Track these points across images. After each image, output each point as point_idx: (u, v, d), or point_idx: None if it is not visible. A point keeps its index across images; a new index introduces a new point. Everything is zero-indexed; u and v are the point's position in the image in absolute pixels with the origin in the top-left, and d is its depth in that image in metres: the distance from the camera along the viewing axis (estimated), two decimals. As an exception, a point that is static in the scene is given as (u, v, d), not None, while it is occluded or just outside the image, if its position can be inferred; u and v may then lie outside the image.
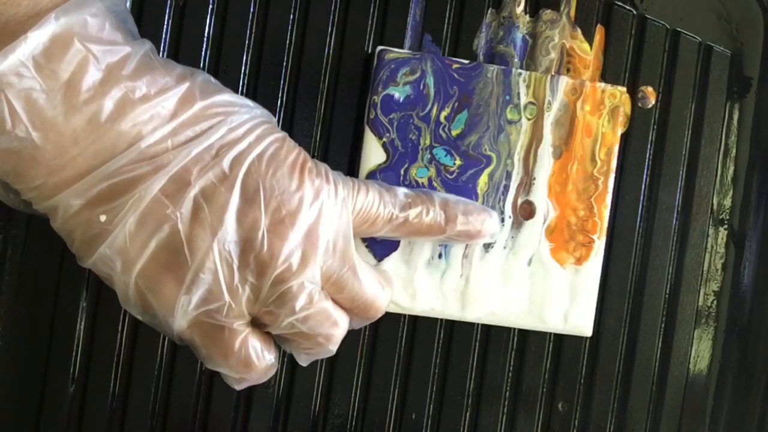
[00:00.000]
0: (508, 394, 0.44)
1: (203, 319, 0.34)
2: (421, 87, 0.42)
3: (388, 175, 0.42)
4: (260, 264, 0.33)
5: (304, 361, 0.38)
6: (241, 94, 0.41)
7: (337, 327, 0.36)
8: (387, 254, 0.42)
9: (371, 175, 0.42)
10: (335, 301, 0.36)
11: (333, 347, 0.37)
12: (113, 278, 0.34)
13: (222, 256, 0.33)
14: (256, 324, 0.35)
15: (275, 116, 0.42)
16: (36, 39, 0.31)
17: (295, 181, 0.34)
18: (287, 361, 0.43)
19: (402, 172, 0.42)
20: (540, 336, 0.44)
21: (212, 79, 0.35)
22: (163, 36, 0.41)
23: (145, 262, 0.33)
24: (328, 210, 0.35)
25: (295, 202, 0.34)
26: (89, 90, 0.32)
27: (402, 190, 0.38)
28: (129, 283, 0.33)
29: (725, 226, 0.46)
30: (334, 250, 0.35)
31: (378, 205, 0.37)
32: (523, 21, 0.43)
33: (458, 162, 0.42)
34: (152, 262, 0.33)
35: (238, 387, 0.37)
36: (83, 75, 0.32)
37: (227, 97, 0.35)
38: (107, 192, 0.32)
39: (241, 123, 0.34)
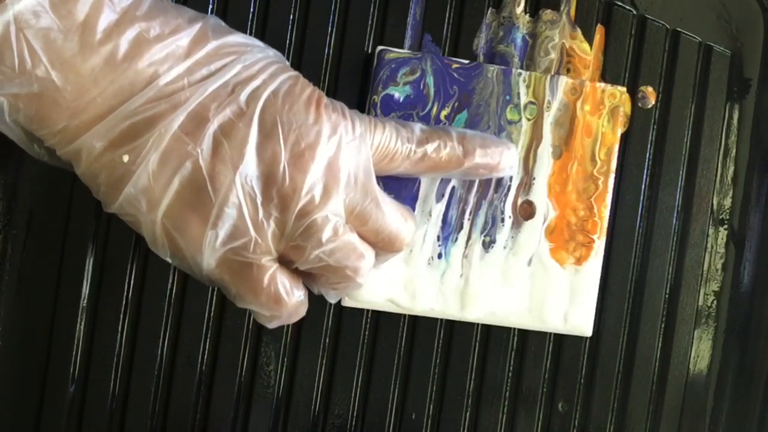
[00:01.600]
0: (508, 394, 0.44)
1: (231, 257, 0.34)
2: (421, 87, 0.42)
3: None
4: (283, 197, 0.34)
5: (333, 298, 0.38)
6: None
7: (363, 259, 0.36)
8: (387, 254, 0.42)
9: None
10: (360, 235, 0.36)
11: (361, 280, 0.37)
12: (140, 220, 0.34)
13: (245, 190, 0.34)
14: (284, 262, 0.36)
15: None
16: None
17: (312, 115, 0.35)
18: (287, 361, 0.43)
19: (402, 172, 0.42)
20: (540, 336, 0.44)
21: (222, 22, 0.36)
22: (163, 36, 0.41)
23: (170, 201, 0.33)
24: (346, 144, 0.35)
25: (313, 136, 0.34)
26: (105, 30, 0.32)
27: (418, 126, 0.39)
28: (156, 223, 0.34)
29: (725, 226, 0.46)
30: (356, 184, 0.35)
31: (395, 140, 0.37)
32: (523, 21, 0.44)
33: (458, 162, 0.42)
34: (177, 201, 0.33)
35: (271, 325, 0.37)
36: (99, 15, 0.32)
37: (239, 37, 0.35)
38: (128, 132, 0.33)
39: (254, 61, 0.35)
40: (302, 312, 0.37)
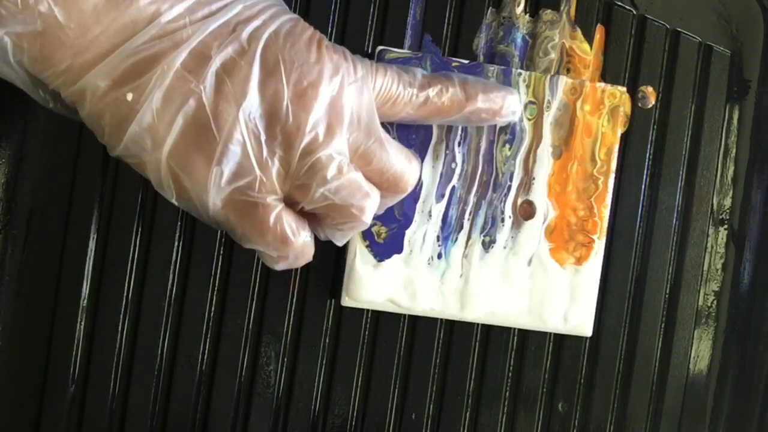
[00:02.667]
0: (508, 394, 0.44)
1: (237, 197, 0.34)
2: (421, 87, 0.42)
3: (388, 175, 0.42)
4: (287, 135, 0.34)
5: (339, 240, 0.38)
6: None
7: (368, 197, 0.36)
8: (387, 255, 0.42)
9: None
10: (365, 176, 0.37)
11: (367, 219, 0.37)
12: (145, 161, 0.34)
13: (249, 128, 0.34)
14: (289, 205, 0.36)
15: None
16: None
17: (314, 54, 0.35)
18: (287, 361, 0.43)
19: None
20: (540, 336, 0.44)
21: None
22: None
23: (175, 139, 0.33)
24: (348, 85, 0.35)
25: (315, 74, 0.34)
26: None
27: (420, 71, 0.39)
28: (161, 162, 0.34)
29: (725, 226, 0.46)
30: (359, 124, 0.36)
31: (397, 84, 0.38)
32: (523, 21, 0.44)
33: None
34: (181, 140, 0.34)
35: (278, 267, 0.37)
36: None
37: None
38: (131, 70, 0.33)
39: (255, 2, 0.35)
40: (309, 254, 0.37)
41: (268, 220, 0.35)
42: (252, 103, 0.34)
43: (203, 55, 0.33)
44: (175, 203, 0.35)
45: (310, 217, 0.37)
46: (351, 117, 0.35)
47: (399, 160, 0.37)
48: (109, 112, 0.33)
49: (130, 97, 0.33)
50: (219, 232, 0.42)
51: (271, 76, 0.34)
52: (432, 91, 0.38)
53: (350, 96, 0.35)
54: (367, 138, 0.36)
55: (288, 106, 0.34)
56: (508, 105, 0.41)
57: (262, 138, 0.34)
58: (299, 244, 0.36)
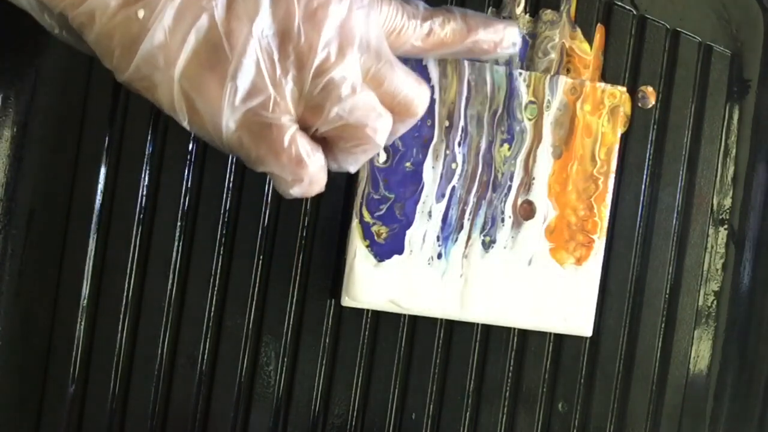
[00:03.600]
0: (508, 394, 0.44)
1: (251, 118, 0.34)
2: (421, 87, 0.42)
3: (388, 175, 0.42)
4: (299, 55, 0.34)
5: (352, 165, 0.38)
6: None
7: (382, 118, 0.36)
8: (388, 255, 0.42)
9: (373, 175, 0.42)
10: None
11: (380, 141, 0.37)
12: (156, 82, 0.34)
13: (261, 45, 0.34)
14: (303, 129, 0.36)
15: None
16: None
17: None
18: (287, 361, 0.43)
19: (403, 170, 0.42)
20: (540, 336, 0.44)
21: None
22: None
23: (187, 58, 0.33)
24: (357, 9, 0.36)
25: None
26: None
27: (422, 3, 0.39)
28: (173, 81, 0.34)
29: (725, 226, 0.46)
30: (368, 47, 0.36)
31: (401, 15, 0.38)
32: (523, 21, 0.44)
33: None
34: (194, 59, 0.33)
35: (292, 192, 0.37)
36: None
37: None
38: None
39: None
40: (322, 181, 0.37)
41: (282, 141, 0.35)
42: (264, 22, 0.34)
43: None
44: (187, 127, 0.35)
45: (322, 145, 0.37)
46: (360, 40, 0.35)
47: (409, 83, 0.37)
48: (120, 31, 0.33)
49: (141, 14, 0.33)
50: (219, 233, 0.42)
51: None
52: (435, 23, 0.39)
53: (358, 20, 0.35)
54: (377, 60, 0.36)
55: (299, 26, 0.34)
56: (509, 36, 0.41)
57: (275, 56, 0.34)
58: (314, 167, 0.36)
